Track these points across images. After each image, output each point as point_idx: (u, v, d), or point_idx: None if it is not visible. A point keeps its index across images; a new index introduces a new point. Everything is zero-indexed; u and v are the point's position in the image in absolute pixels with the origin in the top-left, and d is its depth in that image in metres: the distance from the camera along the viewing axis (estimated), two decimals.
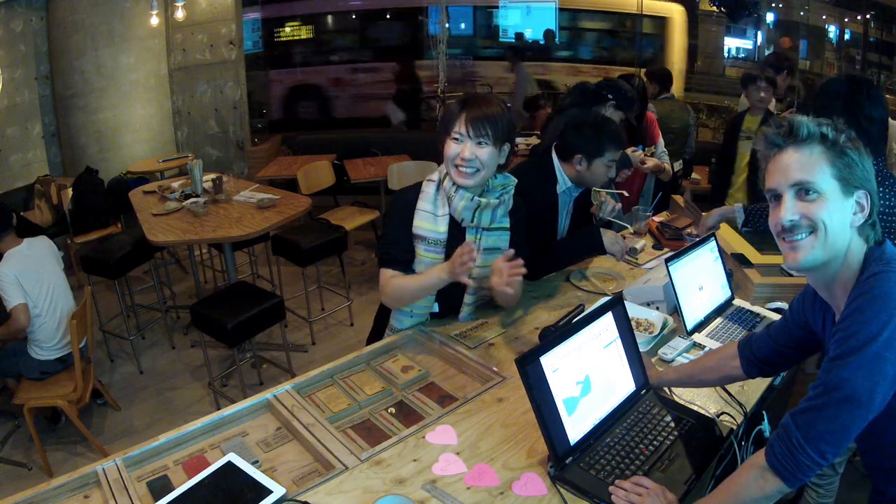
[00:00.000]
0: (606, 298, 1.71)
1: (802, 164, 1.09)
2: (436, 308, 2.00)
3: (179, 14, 5.67)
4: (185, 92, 6.05)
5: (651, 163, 3.22)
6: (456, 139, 1.78)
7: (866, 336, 0.99)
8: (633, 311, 1.93)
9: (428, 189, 1.89)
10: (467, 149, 1.77)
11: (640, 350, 1.61)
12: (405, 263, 1.88)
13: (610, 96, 2.86)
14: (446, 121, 1.81)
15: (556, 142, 2.32)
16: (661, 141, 3.53)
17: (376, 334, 2.07)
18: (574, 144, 2.25)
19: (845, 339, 1.02)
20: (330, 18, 8.35)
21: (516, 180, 1.93)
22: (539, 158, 2.37)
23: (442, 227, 1.86)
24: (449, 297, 1.98)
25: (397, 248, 1.88)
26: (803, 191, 1.10)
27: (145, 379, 3.65)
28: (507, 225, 1.94)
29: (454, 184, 1.82)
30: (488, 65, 8.50)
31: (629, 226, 2.71)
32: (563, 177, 2.29)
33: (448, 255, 1.85)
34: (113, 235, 4.68)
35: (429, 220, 1.86)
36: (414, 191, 1.91)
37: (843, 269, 1.12)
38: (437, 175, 1.89)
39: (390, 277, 1.88)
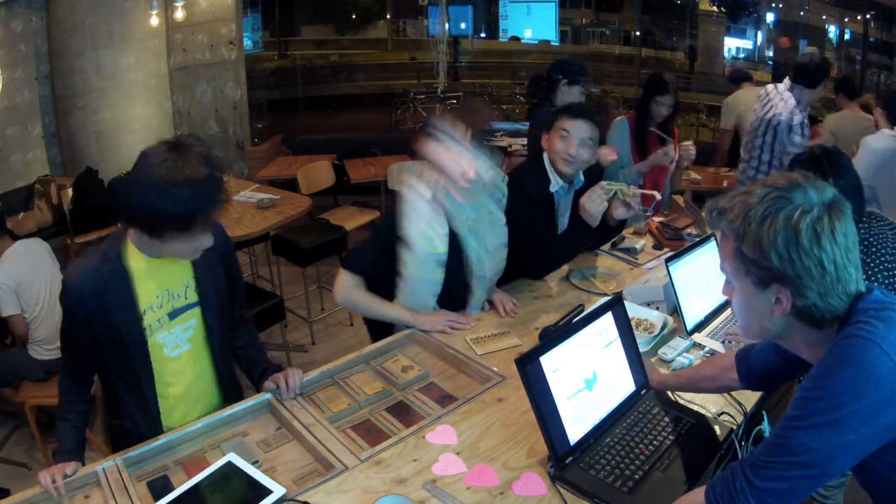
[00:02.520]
0: (606, 298, 1.71)
1: (721, 254, 1.09)
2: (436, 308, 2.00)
3: (179, 14, 5.67)
4: (185, 92, 6.04)
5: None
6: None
7: (832, 403, 0.94)
8: (633, 311, 1.93)
9: (421, 207, 1.83)
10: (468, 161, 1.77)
11: (640, 350, 1.61)
12: (369, 281, 1.94)
13: (559, 76, 3.01)
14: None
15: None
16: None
17: (382, 332, 2.08)
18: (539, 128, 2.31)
19: (808, 402, 0.97)
20: None
21: (506, 177, 1.94)
22: (532, 160, 2.38)
23: (442, 248, 1.85)
24: (449, 298, 1.99)
25: (373, 270, 1.91)
26: (726, 280, 1.10)
27: None
28: (504, 221, 1.98)
29: (454, 198, 1.80)
30: None
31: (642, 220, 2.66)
32: (554, 175, 2.29)
33: (448, 267, 1.89)
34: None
35: (426, 235, 1.84)
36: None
37: (801, 345, 1.08)
38: (427, 189, 1.84)
39: (353, 285, 1.93)
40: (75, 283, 1.44)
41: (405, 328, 1.98)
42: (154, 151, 1.34)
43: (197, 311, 1.58)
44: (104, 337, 1.47)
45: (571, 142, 2.16)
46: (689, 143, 3.16)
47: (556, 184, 2.29)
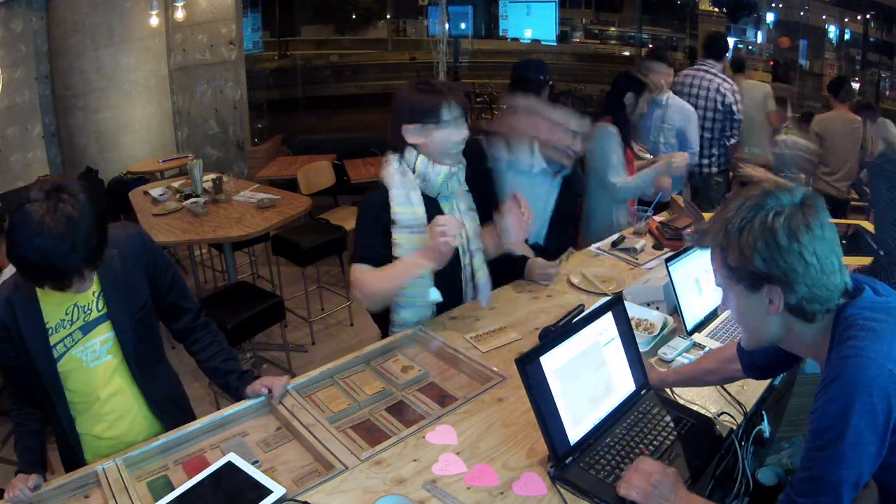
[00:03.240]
0: (606, 298, 1.71)
1: (713, 268, 1.14)
2: (438, 297, 1.97)
3: (179, 14, 5.67)
4: (185, 92, 6.04)
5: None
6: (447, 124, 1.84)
7: (842, 427, 1.00)
8: (633, 311, 1.93)
9: (392, 180, 1.92)
10: (460, 132, 1.86)
11: (640, 350, 1.61)
12: (381, 261, 1.90)
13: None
14: (427, 109, 1.84)
15: None
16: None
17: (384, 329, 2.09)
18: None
19: (824, 431, 1.02)
20: None
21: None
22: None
23: (419, 209, 1.91)
24: (448, 282, 2.00)
25: (375, 249, 1.91)
26: (723, 294, 1.16)
27: None
28: (467, 187, 2.05)
29: (431, 163, 1.89)
30: None
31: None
32: (539, 159, 2.40)
33: None
34: None
35: (405, 205, 1.90)
36: (376, 191, 1.94)
37: (799, 343, 1.13)
38: (396, 165, 1.93)
39: (365, 271, 1.87)
40: None
41: (404, 328, 1.98)
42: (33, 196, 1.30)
43: (109, 323, 1.53)
44: (22, 359, 1.46)
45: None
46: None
47: (538, 164, 2.38)
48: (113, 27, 5.48)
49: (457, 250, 1.99)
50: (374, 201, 1.93)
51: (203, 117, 6.12)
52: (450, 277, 2.01)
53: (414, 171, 1.91)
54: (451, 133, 1.85)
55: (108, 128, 5.65)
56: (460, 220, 1.95)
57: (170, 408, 1.67)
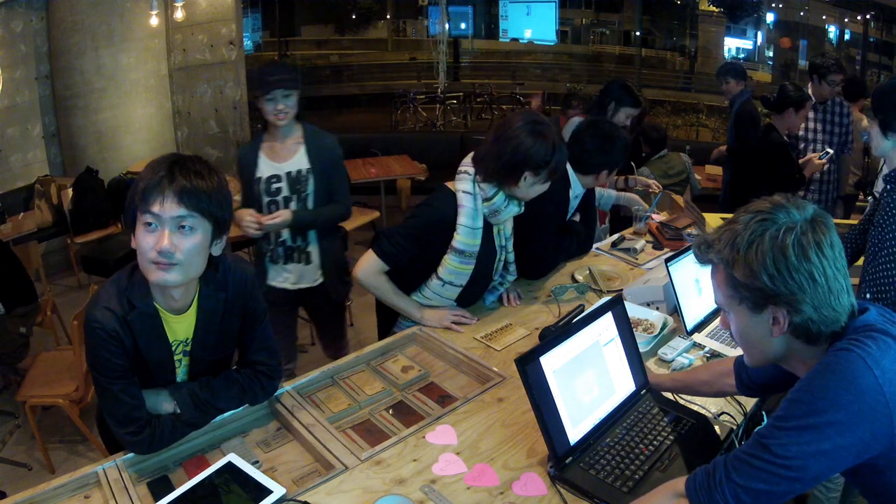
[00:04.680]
0: (606, 298, 1.71)
1: (714, 286, 1.11)
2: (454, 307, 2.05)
3: (179, 14, 5.67)
4: (185, 92, 6.04)
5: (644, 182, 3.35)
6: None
7: (812, 408, 0.97)
8: (633, 311, 1.93)
9: (467, 203, 1.88)
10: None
11: (640, 350, 1.61)
12: (398, 264, 1.94)
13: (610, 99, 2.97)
14: (554, 168, 1.86)
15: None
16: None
17: (385, 328, 2.10)
18: (596, 162, 2.31)
19: (792, 404, 1.00)
20: None
21: None
22: None
23: (479, 240, 1.91)
24: (468, 293, 2.02)
25: (403, 255, 1.91)
26: (722, 311, 1.14)
27: None
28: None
29: (507, 200, 1.89)
30: None
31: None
32: (577, 183, 2.35)
33: (478, 263, 1.94)
34: (113, 235, 4.67)
35: (469, 236, 1.90)
36: (451, 206, 1.89)
37: (800, 363, 1.10)
38: (472, 187, 1.88)
39: (377, 270, 1.92)
40: (109, 324, 1.33)
41: (405, 328, 1.99)
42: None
43: (186, 359, 1.50)
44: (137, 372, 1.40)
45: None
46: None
47: (576, 189, 2.37)
48: (113, 27, 5.48)
49: (490, 271, 2.03)
50: (446, 219, 1.88)
51: (203, 117, 6.12)
52: (475, 292, 2.06)
53: (487, 200, 1.89)
54: (546, 187, 1.89)
55: (108, 128, 5.65)
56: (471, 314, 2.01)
57: None
